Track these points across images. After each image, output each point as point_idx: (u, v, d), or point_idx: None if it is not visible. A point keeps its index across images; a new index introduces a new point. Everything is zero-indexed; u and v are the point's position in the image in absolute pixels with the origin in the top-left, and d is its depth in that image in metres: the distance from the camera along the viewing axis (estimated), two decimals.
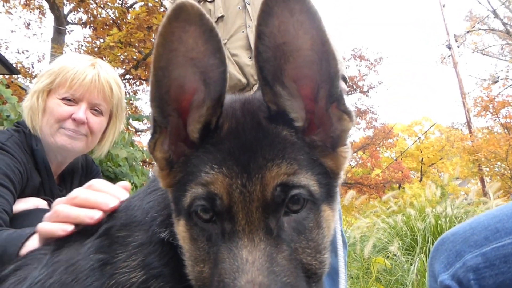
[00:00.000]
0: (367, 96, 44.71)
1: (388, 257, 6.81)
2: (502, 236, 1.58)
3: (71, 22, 25.37)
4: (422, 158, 43.30)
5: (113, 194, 1.63)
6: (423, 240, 6.84)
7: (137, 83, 25.04)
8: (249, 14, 3.66)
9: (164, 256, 1.29)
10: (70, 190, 2.91)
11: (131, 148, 6.70)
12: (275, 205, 1.09)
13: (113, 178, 5.95)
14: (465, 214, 7.52)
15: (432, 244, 5.60)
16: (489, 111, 29.47)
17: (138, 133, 20.75)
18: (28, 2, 26.17)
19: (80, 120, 2.70)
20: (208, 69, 1.12)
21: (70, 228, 1.53)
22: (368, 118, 44.65)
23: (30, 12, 27.19)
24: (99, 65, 2.81)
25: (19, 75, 23.12)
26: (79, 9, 23.47)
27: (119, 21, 21.28)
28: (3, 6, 25.47)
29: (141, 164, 7.38)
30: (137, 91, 25.96)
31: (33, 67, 29.66)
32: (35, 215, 2.40)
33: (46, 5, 24.02)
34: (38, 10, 27.06)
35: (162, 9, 18.98)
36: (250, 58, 3.54)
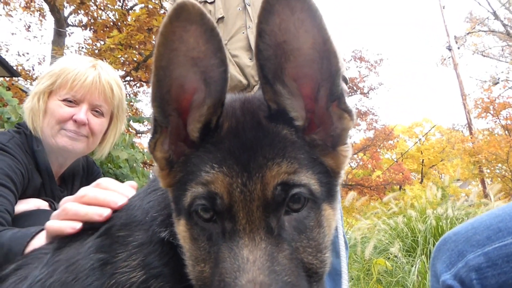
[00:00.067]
0: (367, 97, 44.68)
1: (389, 258, 6.81)
2: (505, 236, 1.58)
3: (72, 24, 25.42)
4: (423, 160, 43.27)
5: (121, 193, 1.63)
6: (424, 241, 6.85)
7: (138, 85, 25.06)
8: (249, 15, 3.66)
9: (164, 255, 1.29)
10: (71, 191, 2.94)
11: (132, 149, 6.69)
12: (276, 204, 1.09)
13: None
14: (466, 215, 7.52)
15: (433, 246, 5.61)
16: (489, 113, 29.47)
17: (138, 135, 20.72)
18: (28, 4, 26.24)
19: (81, 121, 2.71)
20: (209, 69, 1.11)
21: (78, 225, 1.53)
22: (369, 119, 44.62)
23: (31, 14, 27.30)
24: (100, 66, 2.82)
25: (19, 78, 23.14)
26: (79, 11, 23.51)
27: (119, 23, 21.30)
28: (3, 8, 25.58)
29: (142, 166, 7.39)
30: (138, 93, 26.00)
31: (33, 69, 29.76)
32: (36, 216, 2.42)
33: (46, 8, 24.08)
34: (39, 12, 27.16)
35: (162, 11, 18.97)
36: (250, 59, 3.55)
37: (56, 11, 21.40)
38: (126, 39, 17.71)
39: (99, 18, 23.16)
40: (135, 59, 20.37)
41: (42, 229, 1.84)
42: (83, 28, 24.98)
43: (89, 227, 1.51)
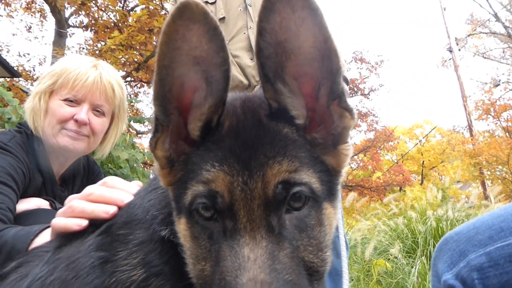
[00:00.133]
0: (368, 98, 44.64)
1: (389, 259, 6.80)
2: (507, 236, 1.57)
3: (72, 25, 25.44)
4: (423, 161, 43.31)
5: (127, 191, 1.63)
6: (424, 243, 6.84)
7: (138, 85, 25.06)
8: (250, 15, 3.66)
9: (165, 254, 1.29)
10: (72, 191, 2.95)
11: (132, 150, 6.69)
12: (277, 202, 1.09)
13: None
14: (466, 217, 7.51)
15: (433, 247, 5.60)
16: (490, 115, 29.47)
17: (139, 135, 20.74)
18: (29, 5, 26.28)
19: (82, 121, 2.71)
20: (211, 68, 1.11)
21: (85, 223, 1.53)
22: (369, 120, 44.57)
23: (31, 15, 27.33)
24: (101, 66, 2.82)
25: (20, 78, 23.17)
26: (80, 12, 23.52)
27: (120, 24, 21.32)
28: (4, 9, 25.60)
29: (142, 166, 7.39)
30: (138, 93, 26.00)
31: (34, 70, 29.78)
32: (37, 215, 2.42)
33: (47, 9, 24.10)
34: (39, 13, 27.18)
35: (163, 12, 18.98)
36: (251, 59, 3.55)
37: (57, 12, 21.41)
38: (127, 40, 17.72)
39: (100, 19, 23.18)
40: (135, 59, 20.38)
41: (46, 227, 1.85)
42: (84, 29, 25.01)
43: (90, 224, 1.52)
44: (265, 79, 1.13)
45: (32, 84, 25.40)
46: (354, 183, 39.36)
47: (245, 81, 3.54)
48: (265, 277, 0.98)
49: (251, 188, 1.08)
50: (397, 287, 6.18)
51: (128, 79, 22.02)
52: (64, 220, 1.56)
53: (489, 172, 26.18)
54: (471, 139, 28.06)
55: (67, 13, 23.78)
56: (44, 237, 1.79)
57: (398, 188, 38.45)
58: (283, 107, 1.18)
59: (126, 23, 20.97)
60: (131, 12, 22.86)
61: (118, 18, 21.80)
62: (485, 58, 39.88)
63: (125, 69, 20.50)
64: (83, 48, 24.90)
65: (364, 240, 8.09)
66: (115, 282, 1.27)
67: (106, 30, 21.90)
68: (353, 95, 42.86)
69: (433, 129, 42.19)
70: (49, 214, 2.45)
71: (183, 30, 1.05)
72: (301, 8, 1.03)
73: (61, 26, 22.19)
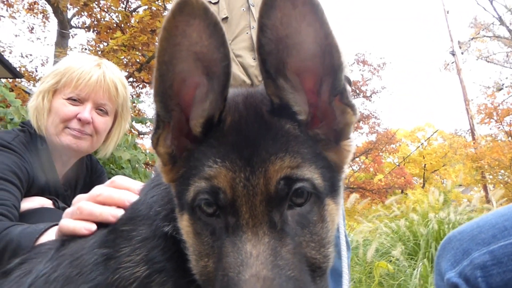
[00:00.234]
0: (370, 101, 44.60)
1: (390, 261, 6.79)
2: (510, 234, 1.58)
3: (75, 26, 25.48)
4: (425, 164, 43.19)
5: (135, 191, 1.62)
6: (426, 245, 6.84)
7: (140, 86, 25.07)
8: (253, 15, 3.67)
9: (168, 250, 1.30)
10: (75, 190, 2.96)
11: (134, 150, 6.70)
12: (279, 198, 1.09)
13: None
14: (468, 220, 7.49)
15: (435, 250, 5.60)
16: (493, 119, 29.44)
17: (141, 136, 20.77)
18: (31, 6, 26.35)
19: (85, 120, 2.72)
20: (212, 64, 1.11)
21: (94, 227, 1.51)
22: (371, 123, 44.53)
23: (34, 16, 27.39)
24: (104, 65, 2.83)
25: (22, 79, 23.23)
26: (82, 13, 23.56)
27: (122, 25, 21.34)
28: (7, 10, 25.67)
29: (144, 167, 7.39)
30: (141, 93, 26.00)
31: (36, 70, 29.88)
32: (40, 214, 2.43)
33: (49, 9, 24.17)
34: (42, 14, 27.25)
35: (165, 13, 19.00)
36: (254, 59, 3.55)
37: (59, 13, 21.46)
38: (129, 41, 17.74)
39: (102, 19, 23.21)
40: (138, 60, 20.39)
41: (51, 226, 1.85)
42: (86, 29, 25.07)
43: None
44: (266, 75, 1.13)
45: (34, 85, 25.44)
46: (355, 185, 39.28)
47: (248, 81, 3.55)
48: (267, 273, 0.98)
49: (253, 184, 1.08)
50: None
51: (130, 79, 22.01)
52: (73, 223, 1.55)
53: (491, 176, 26.11)
54: (473, 143, 28.01)
55: (69, 14, 23.84)
56: (50, 235, 1.79)
57: (400, 190, 38.36)
58: (285, 103, 1.18)
59: (128, 24, 20.99)
60: (133, 13, 22.90)
61: (120, 19, 21.82)
62: (488, 62, 39.76)
63: (127, 70, 20.50)
64: (86, 49, 24.93)
65: (366, 242, 8.07)
66: (118, 278, 1.27)
67: (108, 31, 21.91)
68: (355, 97, 42.77)
69: (435, 132, 42.13)
70: (53, 213, 2.46)
71: (183, 25, 1.04)
72: (302, 4, 1.03)
73: (64, 27, 22.23)
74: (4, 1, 24.91)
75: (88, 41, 26.34)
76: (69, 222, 1.57)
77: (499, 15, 35.72)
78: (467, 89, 28.70)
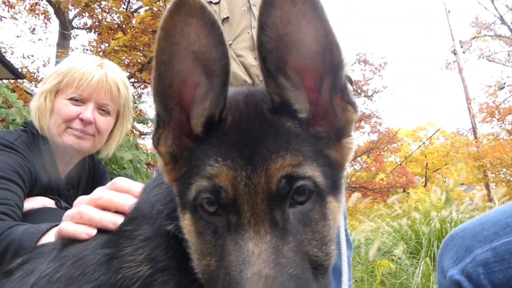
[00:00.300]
0: (371, 100, 44.55)
1: (392, 260, 6.79)
2: None
3: (76, 27, 25.47)
4: (427, 163, 43.17)
5: (136, 193, 1.61)
6: (428, 244, 6.83)
7: (142, 86, 25.08)
8: (254, 15, 3.68)
9: (170, 249, 1.30)
10: (77, 190, 2.96)
11: (136, 150, 6.70)
12: (280, 197, 1.09)
13: None
14: (470, 218, 7.48)
15: (437, 248, 5.60)
16: (495, 117, 29.39)
17: (142, 136, 20.78)
18: (33, 7, 26.36)
19: (87, 120, 2.73)
20: (210, 62, 1.11)
21: (94, 232, 1.50)
22: (373, 122, 44.48)
23: (35, 17, 27.40)
24: (106, 66, 2.84)
25: (24, 80, 23.23)
26: (84, 14, 23.53)
27: (124, 26, 21.33)
28: (8, 11, 25.69)
29: (146, 167, 7.38)
30: (142, 94, 26.00)
31: (38, 71, 29.96)
32: (43, 214, 2.43)
33: (51, 10, 24.15)
34: (43, 15, 27.27)
35: None
36: (255, 58, 3.55)
37: (61, 13, 21.45)
38: (130, 41, 17.72)
39: (103, 20, 23.19)
40: (139, 61, 20.38)
41: (53, 226, 1.85)
42: (87, 30, 25.05)
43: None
44: (267, 73, 1.13)
45: (36, 86, 25.49)
46: (357, 184, 39.25)
47: (249, 80, 3.55)
48: (269, 272, 0.98)
49: (254, 182, 1.08)
50: (401, 287, 6.17)
51: (132, 80, 22.01)
52: (73, 227, 1.54)
53: (493, 175, 26.07)
54: (475, 142, 27.96)
55: (71, 14, 23.82)
56: (51, 236, 1.79)
57: (402, 190, 38.33)
58: (285, 101, 1.18)
59: (129, 25, 20.97)
60: (134, 14, 22.90)
61: (121, 19, 21.79)
62: (490, 61, 39.66)
63: (128, 70, 20.50)
64: (87, 50, 24.94)
65: (368, 241, 8.08)
66: (121, 278, 1.27)
67: (109, 31, 21.89)
68: (357, 96, 42.73)
69: (437, 131, 42.08)
70: (55, 212, 2.47)
71: (181, 25, 1.05)
72: (301, 2, 1.03)
73: (65, 27, 22.23)
74: (5, 2, 24.95)
75: (89, 42, 26.38)
76: (69, 225, 1.56)
77: (500, 15, 35.62)
78: (468, 88, 28.63)
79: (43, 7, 26.51)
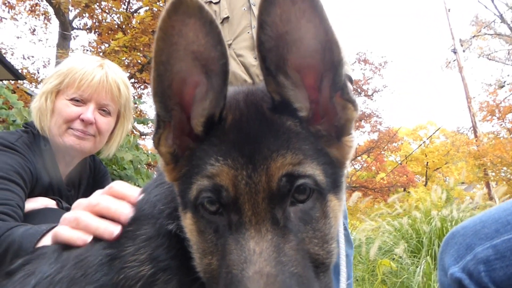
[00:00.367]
0: (371, 99, 44.52)
1: (393, 259, 6.79)
2: None
3: (76, 27, 25.50)
4: (427, 162, 43.13)
5: (133, 198, 1.57)
6: (429, 242, 6.83)
7: (142, 86, 25.11)
8: (254, 15, 3.67)
9: (172, 249, 1.30)
10: (79, 190, 2.96)
11: (136, 151, 6.71)
12: (281, 195, 1.09)
13: None
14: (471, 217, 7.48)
15: (438, 247, 5.59)
16: (495, 116, 29.38)
17: (143, 137, 20.78)
18: (33, 8, 26.40)
19: (88, 121, 2.73)
20: (209, 62, 1.11)
21: (89, 239, 1.48)
22: (373, 121, 44.42)
23: (36, 18, 27.47)
24: (107, 66, 2.84)
25: (24, 81, 23.26)
26: (84, 15, 23.55)
27: (124, 26, 21.34)
28: (9, 12, 25.73)
29: (146, 167, 7.39)
30: (142, 94, 26.01)
31: (38, 72, 30.03)
32: (44, 215, 2.44)
33: (51, 11, 24.19)
34: (43, 16, 27.34)
35: None
36: (255, 58, 3.55)
37: (61, 14, 21.46)
38: (130, 42, 17.72)
39: (103, 21, 23.23)
40: (139, 61, 20.37)
41: (53, 227, 1.84)
42: (88, 31, 25.10)
43: None
44: (267, 72, 1.13)
45: (36, 87, 25.55)
46: (357, 183, 39.21)
47: (250, 80, 3.54)
48: (270, 270, 0.99)
49: (255, 181, 1.08)
50: (402, 286, 6.18)
51: (132, 80, 22.02)
52: (69, 233, 1.52)
53: (493, 173, 26.06)
54: (476, 141, 27.95)
55: (71, 15, 23.86)
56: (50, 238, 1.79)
57: (402, 189, 38.30)
58: (285, 100, 1.18)
59: (129, 25, 21.00)
60: (134, 14, 22.92)
61: (122, 20, 21.81)
62: (490, 59, 39.68)
63: (128, 71, 20.49)
64: (87, 50, 24.99)
65: (369, 240, 8.09)
66: (123, 278, 1.27)
67: (110, 32, 21.92)
68: (357, 96, 42.55)
69: (437, 130, 42.03)
70: (56, 213, 2.47)
71: (179, 25, 1.05)
72: (301, 1, 1.03)
73: (65, 28, 22.24)
74: (5, 3, 24.98)
75: (89, 42, 26.43)
76: (65, 230, 1.54)
77: (500, 13, 35.60)
78: (469, 87, 28.58)
79: (43, 8, 26.62)
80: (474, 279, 1.61)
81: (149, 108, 27.96)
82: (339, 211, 1.23)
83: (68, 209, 1.88)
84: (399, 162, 44.84)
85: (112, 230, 1.44)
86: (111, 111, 2.89)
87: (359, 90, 42.52)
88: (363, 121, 42.46)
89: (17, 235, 1.92)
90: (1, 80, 16.51)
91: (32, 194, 2.56)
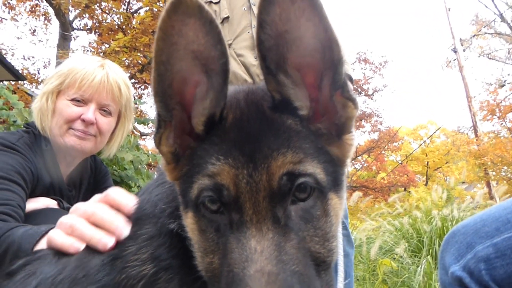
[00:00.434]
0: (372, 99, 44.52)
1: (394, 259, 6.79)
2: None
3: (77, 28, 25.51)
4: (428, 162, 43.13)
5: (129, 207, 1.53)
6: (430, 242, 6.83)
7: (142, 87, 25.12)
8: (254, 14, 3.67)
9: (173, 248, 1.30)
10: (80, 191, 2.97)
11: (137, 151, 6.71)
12: (282, 194, 1.09)
13: (119, 182, 5.97)
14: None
15: (439, 247, 5.60)
16: (495, 115, 29.36)
17: (143, 137, 20.80)
18: (33, 8, 26.41)
19: (89, 121, 2.74)
20: (209, 61, 1.11)
21: (82, 247, 1.47)
22: (373, 121, 44.42)
23: (36, 18, 27.49)
24: (108, 66, 2.85)
25: (25, 81, 23.28)
26: (84, 15, 23.56)
27: (124, 26, 21.35)
28: (9, 13, 25.75)
29: (147, 168, 7.39)
30: (142, 95, 26.03)
31: (39, 73, 30.04)
32: (45, 215, 2.44)
33: (51, 12, 24.20)
34: (44, 16, 27.34)
35: None
36: (255, 58, 3.55)
37: (61, 15, 21.47)
38: (131, 42, 17.74)
39: (104, 21, 23.24)
40: (139, 61, 20.39)
41: (52, 228, 1.85)
42: (88, 31, 25.12)
43: None
44: (267, 71, 1.13)
45: (36, 87, 25.58)
46: (358, 183, 39.19)
47: (250, 80, 3.54)
48: (272, 268, 0.99)
49: (256, 180, 1.08)
50: (402, 286, 6.17)
51: (132, 81, 22.03)
52: (62, 239, 1.50)
53: (494, 173, 26.05)
54: (476, 140, 27.93)
55: (71, 16, 23.88)
56: None
57: (403, 188, 38.28)
58: (286, 98, 1.18)
59: (130, 25, 21.02)
60: (135, 14, 22.93)
61: (122, 20, 21.83)
62: (490, 58, 39.65)
63: (129, 71, 20.50)
64: (87, 51, 25.04)
65: (369, 240, 8.09)
66: (125, 278, 1.28)
67: (110, 32, 21.94)
68: (357, 95, 42.51)
69: (438, 129, 42.04)
70: (57, 213, 2.46)
71: (179, 25, 1.05)
72: (300, 0, 1.04)
73: (66, 29, 22.26)
74: (6, 4, 25.01)
75: (90, 43, 26.48)
76: (58, 236, 1.53)
77: (500, 12, 35.57)
78: (469, 86, 28.55)
79: (43, 8, 26.65)
80: (474, 277, 1.62)
81: (150, 108, 28.00)
82: (340, 209, 1.23)
83: (69, 209, 1.88)
84: (400, 161, 44.86)
85: (106, 242, 1.42)
86: (112, 111, 2.89)
87: (359, 90, 42.50)
88: (363, 120, 42.48)
89: (16, 235, 1.91)
90: (2, 81, 16.52)
91: (33, 194, 2.56)
